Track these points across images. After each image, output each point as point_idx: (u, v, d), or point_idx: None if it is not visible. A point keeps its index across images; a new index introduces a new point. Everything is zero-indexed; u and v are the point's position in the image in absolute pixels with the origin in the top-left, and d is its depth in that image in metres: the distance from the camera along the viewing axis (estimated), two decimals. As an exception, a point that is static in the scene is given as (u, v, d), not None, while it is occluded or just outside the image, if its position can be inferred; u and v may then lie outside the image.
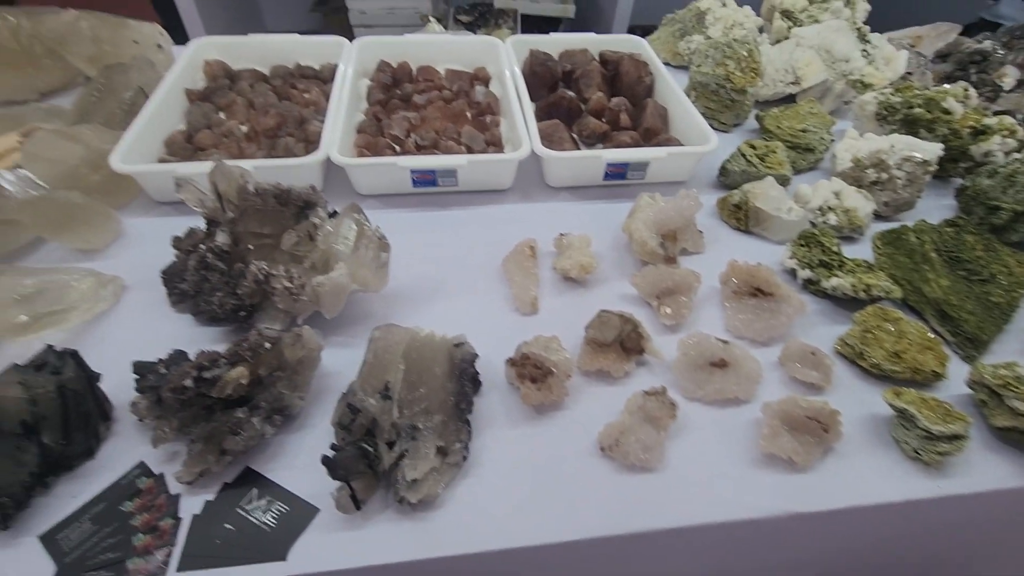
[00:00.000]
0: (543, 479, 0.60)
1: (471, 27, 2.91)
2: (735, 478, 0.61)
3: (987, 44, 1.38)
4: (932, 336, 0.71)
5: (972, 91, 0.99)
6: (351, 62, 1.10)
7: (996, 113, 1.20)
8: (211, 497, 0.56)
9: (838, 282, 0.76)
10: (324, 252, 0.70)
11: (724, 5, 1.26)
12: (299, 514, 0.55)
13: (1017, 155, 0.95)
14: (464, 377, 0.64)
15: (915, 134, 1.00)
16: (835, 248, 0.80)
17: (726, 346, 0.69)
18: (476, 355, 0.67)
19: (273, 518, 0.55)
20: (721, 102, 1.10)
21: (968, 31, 1.46)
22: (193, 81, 1.09)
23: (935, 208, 0.98)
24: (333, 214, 0.72)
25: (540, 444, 0.63)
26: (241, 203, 0.71)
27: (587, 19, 3.12)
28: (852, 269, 0.78)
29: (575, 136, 1.06)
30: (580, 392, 0.68)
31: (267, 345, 0.59)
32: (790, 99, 1.20)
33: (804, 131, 1.04)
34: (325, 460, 0.52)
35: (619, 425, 0.61)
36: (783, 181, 0.95)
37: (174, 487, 0.57)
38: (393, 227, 0.87)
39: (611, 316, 0.68)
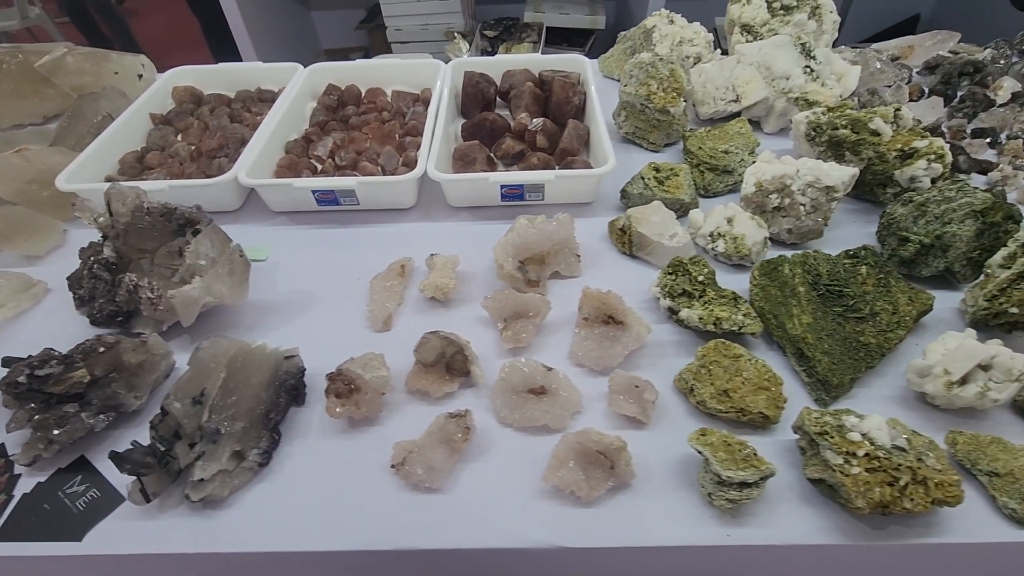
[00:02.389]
0: (333, 490, 0.63)
1: (495, 41, 2.98)
2: (515, 507, 0.61)
3: (986, 54, 1.26)
4: (774, 376, 0.67)
5: (905, 111, 0.91)
6: (296, 86, 1.18)
7: (976, 132, 1.10)
8: (43, 479, 0.64)
9: (688, 313, 0.74)
10: (190, 267, 0.77)
11: (672, 22, 1.23)
12: (107, 501, 0.62)
13: (947, 182, 0.86)
14: (282, 388, 0.68)
15: (841, 156, 0.93)
16: (701, 277, 0.77)
17: (548, 373, 0.69)
18: (303, 369, 0.71)
19: (84, 503, 0.62)
20: (649, 122, 1.08)
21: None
22: (163, 106, 1.22)
23: (856, 236, 0.91)
24: (196, 233, 0.79)
25: (342, 456, 0.66)
26: (131, 220, 0.80)
27: (621, 28, 3.09)
28: (711, 300, 0.75)
29: (493, 156, 1.08)
30: (399, 410, 0.70)
31: (101, 349, 0.66)
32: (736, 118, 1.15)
33: (726, 152, 1.00)
34: (112, 455, 0.59)
35: (409, 444, 0.64)
36: (680, 205, 0.92)
37: (18, 468, 0.65)
38: (293, 243, 0.95)
39: (431, 338, 0.70)
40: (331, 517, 0.61)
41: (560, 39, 3.21)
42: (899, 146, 0.89)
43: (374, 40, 3.70)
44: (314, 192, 0.95)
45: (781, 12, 1.23)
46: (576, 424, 0.68)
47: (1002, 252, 0.70)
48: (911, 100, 1.20)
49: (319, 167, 1.06)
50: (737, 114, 1.15)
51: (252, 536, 0.60)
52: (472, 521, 0.60)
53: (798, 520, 0.59)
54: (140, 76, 1.26)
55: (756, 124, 1.17)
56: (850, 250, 0.81)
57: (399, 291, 0.84)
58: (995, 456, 0.60)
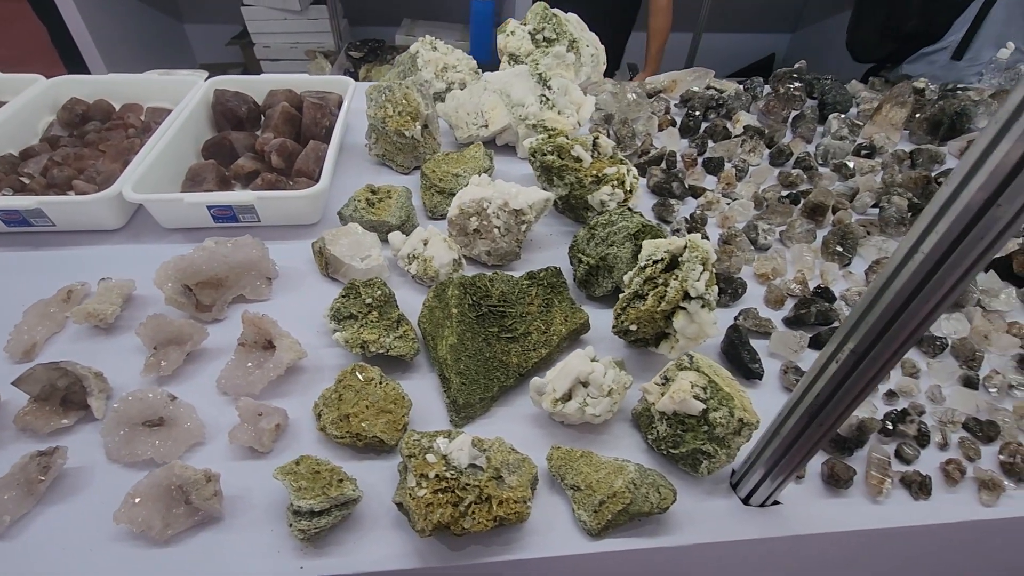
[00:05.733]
0: None
1: (359, 62, 2.96)
2: (82, 552, 0.56)
3: (731, 90, 1.37)
4: (400, 398, 0.67)
5: (604, 140, 0.96)
6: (27, 98, 1.11)
7: (707, 161, 1.18)
8: None
9: (338, 336, 0.73)
10: None
11: (435, 49, 1.26)
12: None
13: (616, 207, 0.91)
14: None
15: (551, 181, 0.97)
16: (370, 300, 0.77)
17: (171, 403, 0.66)
18: None
19: None
20: (395, 145, 1.09)
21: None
22: None
23: (560, 257, 0.94)
24: None
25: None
26: None
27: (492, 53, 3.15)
28: (369, 323, 0.75)
29: (228, 175, 1.04)
30: (5, 452, 0.64)
31: None
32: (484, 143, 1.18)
33: (456, 176, 1.02)
34: None
35: (-29, 489, 0.58)
36: (388, 227, 0.92)
37: None
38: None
39: (37, 369, 0.65)
40: None
41: (432, 63, 3.20)
42: (594, 172, 0.93)
43: (248, 56, 3.59)
44: (-4, 212, 0.88)
45: (544, 44, 1.29)
46: (194, 456, 0.65)
47: (628, 275, 0.74)
48: (659, 130, 1.28)
49: (26, 182, 0.98)
50: (491, 139, 1.18)
51: None
52: (28, 571, 0.55)
53: (381, 546, 0.58)
54: None
55: (512, 149, 1.21)
56: (532, 271, 0.84)
57: (59, 318, 0.78)
58: (579, 470, 0.62)
